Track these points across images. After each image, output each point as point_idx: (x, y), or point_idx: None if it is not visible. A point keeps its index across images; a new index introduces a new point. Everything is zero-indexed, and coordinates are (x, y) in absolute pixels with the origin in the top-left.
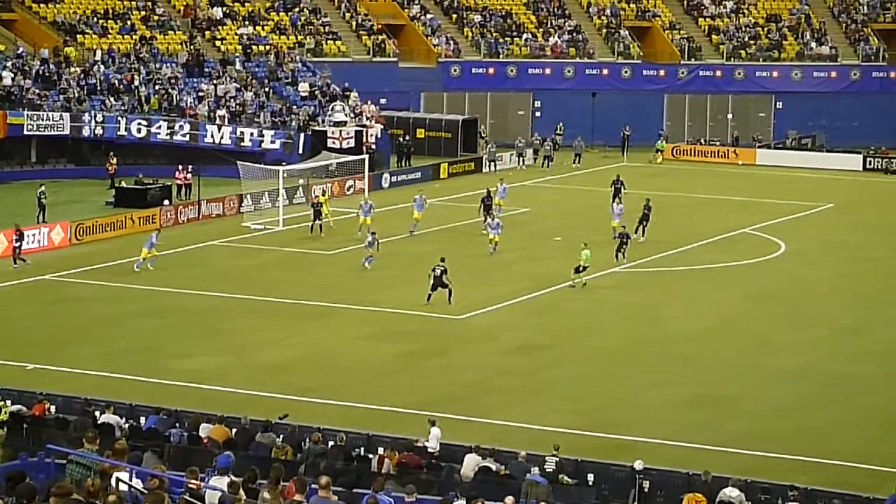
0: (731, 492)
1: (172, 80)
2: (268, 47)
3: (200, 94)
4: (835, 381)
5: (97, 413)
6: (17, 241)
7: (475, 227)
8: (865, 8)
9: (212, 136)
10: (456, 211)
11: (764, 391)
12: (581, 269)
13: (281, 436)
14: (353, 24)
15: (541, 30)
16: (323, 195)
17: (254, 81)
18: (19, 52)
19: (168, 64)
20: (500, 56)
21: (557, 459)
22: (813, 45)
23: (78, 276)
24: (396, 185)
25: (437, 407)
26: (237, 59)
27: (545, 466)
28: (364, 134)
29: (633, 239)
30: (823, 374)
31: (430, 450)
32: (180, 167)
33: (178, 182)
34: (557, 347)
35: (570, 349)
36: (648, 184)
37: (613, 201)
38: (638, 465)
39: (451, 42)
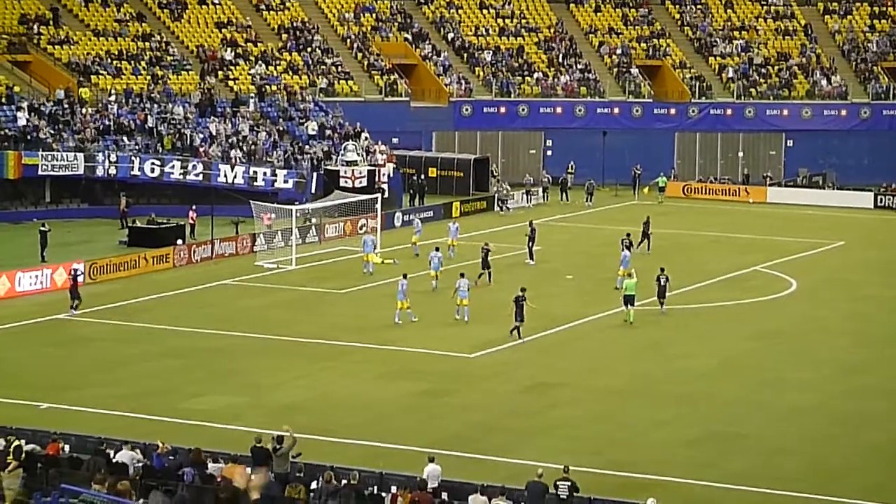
0: None
1: (186, 120)
2: (280, 87)
3: (213, 133)
4: (844, 418)
5: (111, 452)
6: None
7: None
8: (875, 46)
9: (225, 175)
10: (468, 249)
11: (772, 429)
12: (630, 299)
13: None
14: (365, 63)
15: (552, 69)
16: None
17: (266, 121)
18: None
19: (181, 104)
20: (512, 95)
21: (570, 483)
22: (823, 83)
23: (91, 316)
24: (409, 223)
25: (448, 446)
26: (250, 99)
27: (559, 493)
28: (376, 173)
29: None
30: (833, 412)
31: (430, 487)
32: (194, 207)
33: (191, 222)
34: (567, 386)
35: (580, 388)
36: (659, 222)
37: (641, 243)
38: (650, 503)
39: (463, 81)
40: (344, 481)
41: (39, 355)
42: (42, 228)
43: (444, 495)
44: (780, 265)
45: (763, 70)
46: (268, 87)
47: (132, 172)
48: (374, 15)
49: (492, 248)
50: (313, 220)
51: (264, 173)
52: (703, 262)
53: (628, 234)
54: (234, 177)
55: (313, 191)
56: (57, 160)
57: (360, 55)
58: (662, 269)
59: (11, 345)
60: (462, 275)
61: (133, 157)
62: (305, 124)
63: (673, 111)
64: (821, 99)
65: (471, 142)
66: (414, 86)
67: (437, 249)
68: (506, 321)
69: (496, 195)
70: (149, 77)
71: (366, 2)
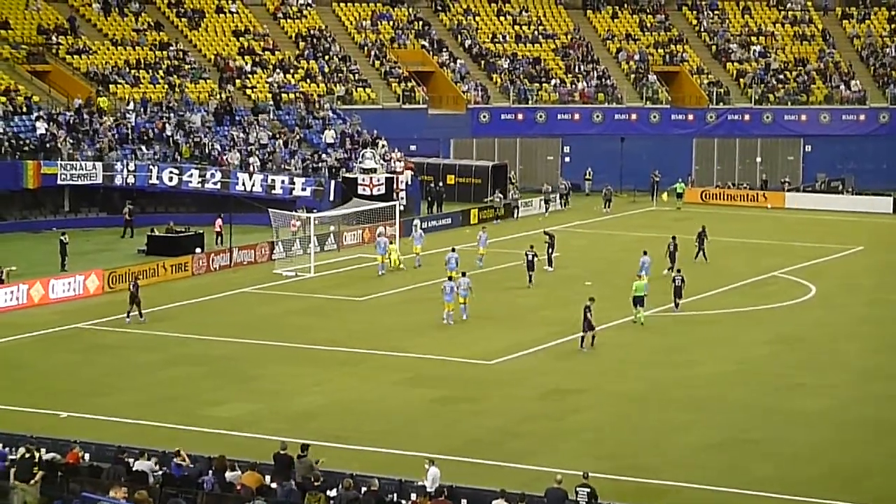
0: None
1: (204, 129)
2: (298, 95)
3: (231, 142)
4: (863, 424)
5: (130, 461)
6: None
7: (504, 274)
8: (893, 51)
9: (243, 183)
10: (494, 257)
11: (791, 434)
12: (639, 301)
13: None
14: (383, 71)
15: (569, 75)
16: (391, 244)
17: (284, 129)
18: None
19: (199, 112)
20: (529, 102)
21: (589, 490)
22: (841, 88)
23: (111, 325)
24: (427, 231)
25: (466, 451)
26: (268, 108)
27: (578, 499)
28: (394, 180)
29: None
30: (852, 417)
31: (427, 490)
32: (221, 216)
33: (218, 230)
34: (586, 392)
35: (599, 393)
36: (678, 228)
37: (698, 253)
38: None
39: (480, 88)
40: (364, 489)
41: (59, 363)
42: (62, 238)
43: (464, 502)
44: (798, 270)
45: (781, 75)
46: (285, 95)
47: (150, 181)
48: (391, 23)
49: (538, 253)
50: (332, 229)
51: (282, 181)
52: (722, 267)
53: (674, 238)
54: (252, 185)
55: (331, 199)
56: (75, 169)
57: (377, 63)
58: (679, 270)
59: (36, 352)
60: (463, 273)
61: (151, 166)
62: (323, 132)
63: (691, 117)
64: (839, 104)
65: (489, 149)
66: (431, 93)
67: (453, 250)
68: (525, 327)
69: (505, 203)
70: (167, 86)
71: (383, 10)
